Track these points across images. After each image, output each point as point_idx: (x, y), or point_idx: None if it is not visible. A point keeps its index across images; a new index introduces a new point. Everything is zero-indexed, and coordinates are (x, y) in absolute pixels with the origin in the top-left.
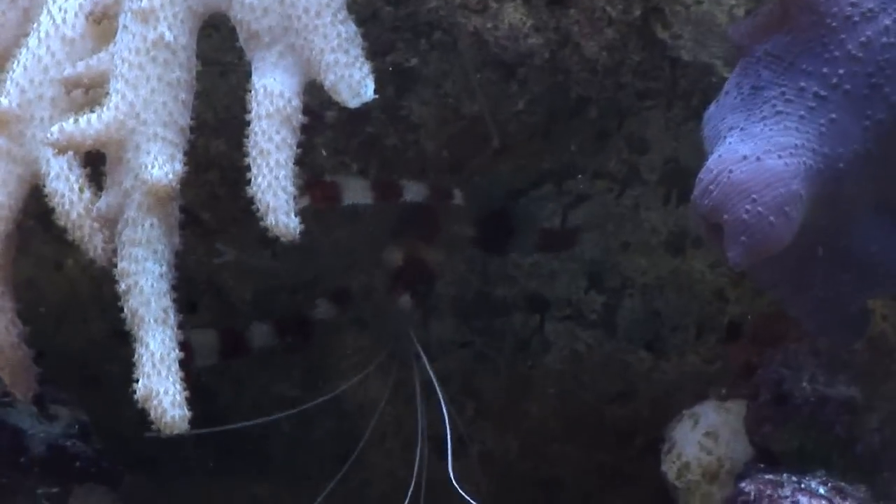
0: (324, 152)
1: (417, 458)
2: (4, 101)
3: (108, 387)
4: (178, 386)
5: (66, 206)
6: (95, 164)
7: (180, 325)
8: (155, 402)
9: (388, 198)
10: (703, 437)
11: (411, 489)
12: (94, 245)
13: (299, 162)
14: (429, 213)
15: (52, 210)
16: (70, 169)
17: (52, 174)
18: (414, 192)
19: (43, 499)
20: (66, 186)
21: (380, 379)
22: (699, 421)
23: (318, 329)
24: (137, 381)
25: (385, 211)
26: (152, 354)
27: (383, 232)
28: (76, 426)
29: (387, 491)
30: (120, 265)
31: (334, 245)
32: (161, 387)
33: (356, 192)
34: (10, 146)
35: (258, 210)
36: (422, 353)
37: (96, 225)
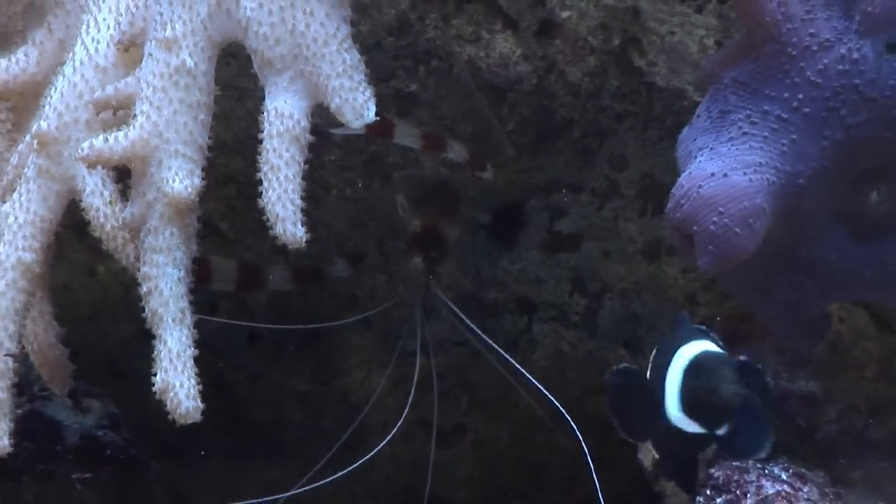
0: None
1: (412, 392)
2: (43, 125)
3: (136, 381)
4: (192, 380)
5: (101, 220)
6: (123, 179)
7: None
8: (171, 394)
9: (433, 149)
10: None
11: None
12: (127, 254)
13: (307, 177)
14: (452, 191)
15: (86, 222)
16: (104, 185)
17: (88, 190)
18: (456, 151)
19: (77, 483)
20: (100, 201)
21: (380, 374)
22: None
23: (336, 283)
24: (156, 375)
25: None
26: (170, 351)
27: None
28: (107, 418)
29: (390, 475)
30: (142, 269)
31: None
32: (177, 380)
33: (407, 136)
34: (49, 165)
35: (268, 220)
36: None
37: (129, 236)
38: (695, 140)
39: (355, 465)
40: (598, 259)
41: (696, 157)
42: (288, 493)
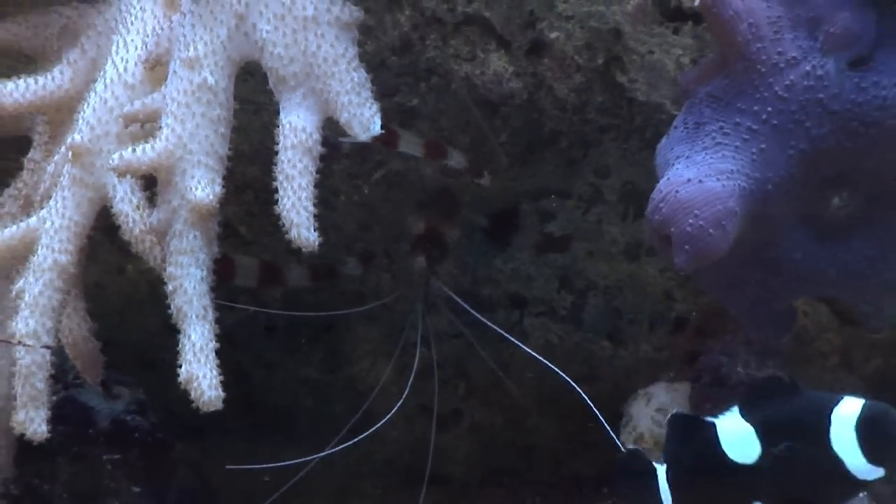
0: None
1: (413, 372)
2: (77, 137)
3: (161, 371)
4: (214, 371)
5: (130, 224)
6: (150, 187)
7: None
8: (195, 384)
9: (434, 156)
10: (655, 412)
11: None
12: (154, 255)
13: (319, 184)
14: (452, 196)
15: (117, 226)
16: (133, 193)
17: (118, 197)
18: (455, 158)
19: (107, 464)
20: (129, 207)
21: (385, 364)
22: (651, 399)
23: (344, 281)
24: (181, 366)
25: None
26: (193, 344)
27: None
28: (135, 404)
29: (391, 455)
30: (168, 270)
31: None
32: (200, 372)
33: (410, 144)
34: (82, 174)
35: (283, 225)
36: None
37: (155, 239)
38: (672, 149)
39: (363, 436)
40: (583, 259)
41: (673, 165)
42: (311, 457)
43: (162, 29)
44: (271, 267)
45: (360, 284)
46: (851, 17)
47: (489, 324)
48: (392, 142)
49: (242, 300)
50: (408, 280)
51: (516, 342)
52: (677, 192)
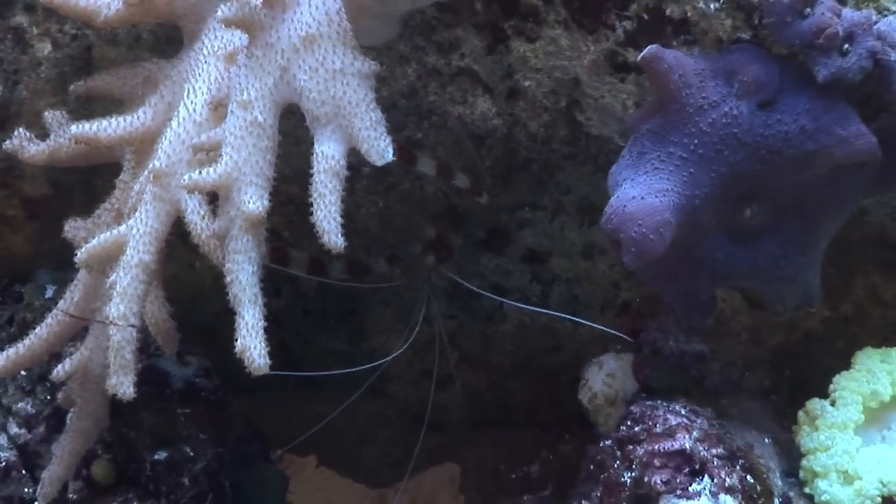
0: None
1: (413, 336)
2: (157, 163)
3: (222, 344)
4: (263, 344)
5: (198, 230)
6: (213, 201)
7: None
8: (248, 354)
9: (444, 176)
10: (606, 376)
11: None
12: (217, 255)
13: (344, 199)
14: (457, 212)
15: (188, 231)
16: (200, 206)
17: (189, 209)
18: (461, 180)
19: (181, 416)
20: (197, 217)
21: (397, 339)
22: (603, 366)
23: (374, 279)
24: (237, 340)
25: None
26: (247, 323)
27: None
28: (202, 369)
29: (402, 408)
30: (227, 266)
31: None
32: (252, 344)
33: (426, 164)
34: (161, 192)
35: (317, 232)
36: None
37: (217, 242)
38: (620, 173)
39: (385, 361)
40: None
41: (621, 185)
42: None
43: (222, 78)
44: (318, 261)
45: (378, 277)
46: (760, 69)
47: (483, 292)
48: (412, 161)
49: (287, 288)
50: (417, 273)
51: (505, 300)
52: (625, 206)
